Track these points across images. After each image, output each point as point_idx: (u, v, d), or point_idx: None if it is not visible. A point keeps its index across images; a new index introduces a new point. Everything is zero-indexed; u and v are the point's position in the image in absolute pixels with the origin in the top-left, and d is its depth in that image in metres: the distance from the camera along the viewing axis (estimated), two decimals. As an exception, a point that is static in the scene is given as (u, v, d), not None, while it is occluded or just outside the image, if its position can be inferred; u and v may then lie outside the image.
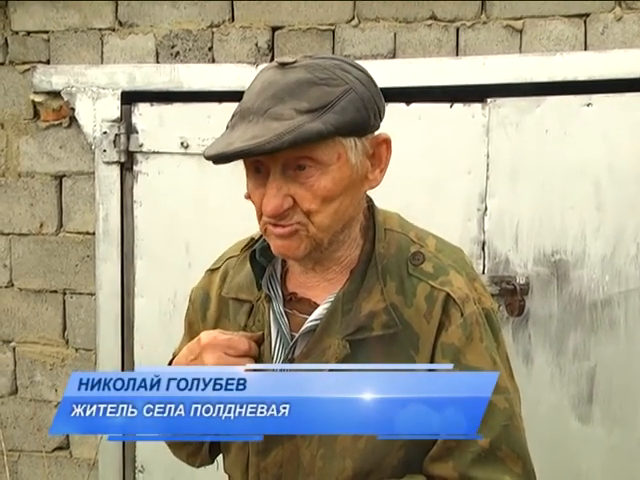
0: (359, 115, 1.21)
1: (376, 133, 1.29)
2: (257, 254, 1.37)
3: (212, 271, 1.49)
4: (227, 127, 1.25)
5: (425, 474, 1.27)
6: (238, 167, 1.29)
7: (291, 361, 1.31)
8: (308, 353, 1.29)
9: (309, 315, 1.31)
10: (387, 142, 1.29)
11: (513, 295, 2.62)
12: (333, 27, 2.80)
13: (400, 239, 1.34)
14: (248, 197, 1.27)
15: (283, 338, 1.33)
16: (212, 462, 1.50)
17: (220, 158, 1.20)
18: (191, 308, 1.51)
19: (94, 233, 3.00)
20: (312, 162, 1.20)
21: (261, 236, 1.35)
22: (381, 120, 1.29)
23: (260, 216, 1.26)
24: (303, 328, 1.31)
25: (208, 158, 1.22)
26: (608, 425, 2.62)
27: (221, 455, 1.47)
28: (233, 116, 1.25)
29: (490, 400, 1.24)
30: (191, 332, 1.49)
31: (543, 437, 2.59)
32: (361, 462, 1.27)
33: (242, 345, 1.30)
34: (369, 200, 1.37)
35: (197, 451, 1.46)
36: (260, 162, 1.22)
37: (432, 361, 1.27)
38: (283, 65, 1.22)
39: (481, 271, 2.65)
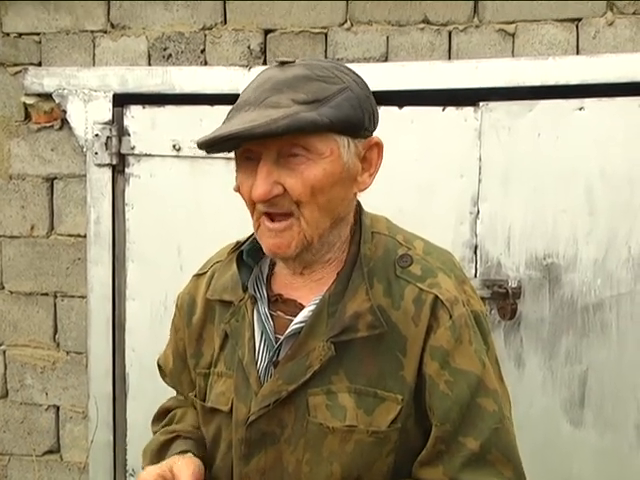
0: (354, 113, 1.22)
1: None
2: (244, 255, 1.36)
3: (199, 276, 1.48)
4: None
5: (414, 479, 1.26)
6: (231, 168, 1.28)
7: (275, 364, 1.30)
8: (293, 355, 1.28)
9: (294, 317, 1.30)
10: (379, 146, 1.29)
11: (505, 299, 2.62)
12: (325, 30, 2.80)
13: (387, 242, 1.33)
14: (237, 189, 1.27)
15: (267, 340, 1.32)
16: None
17: (211, 143, 1.20)
18: (177, 314, 1.50)
19: (85, 236, 2.99)
20: (305, 151, 1.20)
21: (248, 239, 1.34)
22: (375, 126, 1.29)
23: (252, 210, 1.26)
24: (288, 331, 1.30)
25: (201, 146, 1.22)
26: (599, 428, 2.62)
27: None
28: (229, 112, 1.25)
29: (479, 403, 1.24)
30: (176, 338, 1.48)
31: (535, 440, 2.59)
32: (349, 467, 1.25)
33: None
34: (357, 203, 1.36)
35: None
36: (251, 150, 1.22)
37: (420, 364, 1.26)
38: (283, 64, 1.25)
39: (473, 275, 2.65)
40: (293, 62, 1.25)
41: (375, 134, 1.30)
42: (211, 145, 1.21)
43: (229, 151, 1.25)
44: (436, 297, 1.26)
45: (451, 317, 1.26)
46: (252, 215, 1.27)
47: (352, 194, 1.29)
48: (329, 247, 1.30)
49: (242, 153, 1.24)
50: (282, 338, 1.30)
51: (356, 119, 1.22)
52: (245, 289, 1.36)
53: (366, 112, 1.24)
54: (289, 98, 1.19)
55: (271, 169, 1.21)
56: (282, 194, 1.21)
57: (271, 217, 1.24)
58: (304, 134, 1.18)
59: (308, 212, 1.22)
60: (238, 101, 1.25)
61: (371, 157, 1.29)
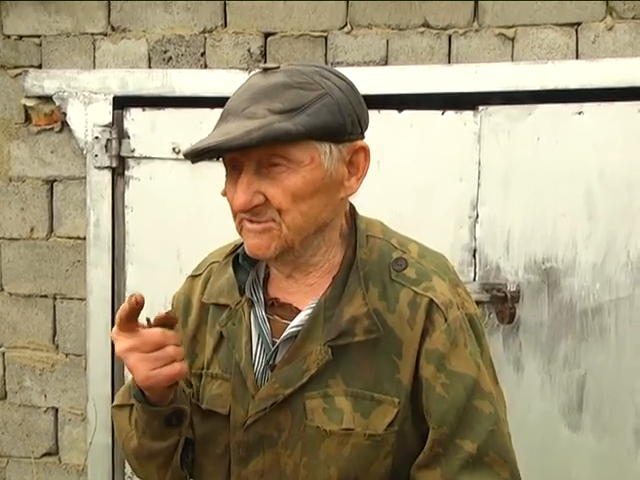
0: (333, 119, 1.21)
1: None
2: (240, 258, 1.37)
3: (194, 277, 1.49)
4: None
5: (412, 482, 1.27)
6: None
7: (272, 367, 1.31)
8: (289, 359, 1.29)
9: (291, 321, 1.31)
10: (365, 150, 1.28)
11: (504, 302, 2.62)
12: (325, 33, 2.80)
13: (382, 245, 1.33)
14: (224, 194, 1.28)
15: (264, 344, 1.33)
16: (185, 477, 1.43)
17: (193, 154, 1.22)
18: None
19: (85, 238, 2.99)
20: (284, 160, 1.21)
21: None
22: (362, 129, 1.29)
23: (235, 214, 1.27)
24: (285, 334, 1.30)
25: (185, 156, 1.25)
26: (598, 433, 2.62)
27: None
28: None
29: (475, 405, 1.25)
30: None
31: (533, 444, 2.59)
32: (346, 470, 1.26)
33: (153, 337, 1.23)
34: (351, 207, 1.37)
35: (167, 463, 1.39)
36: (236, 160, 1.24)
37: (416, 367, 1.26)
38: (266, 70, 1.25)
39: (472, 278, 2.66)
40: (277, 68, 1.25)
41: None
42: (194, 156, 1.23)
43: (217, 159, 1.26)
44: (431, 300, 1.27)
45: (446, 320, 1.26)
46: (234, 218, 1.28)
47: (338, 199, 1.28)
48: (314, 250, 1.30)
49: (228, 161, 1.26)
50: (279, 341, 1.31)
51: (336, 125, 1.22)
52: (242, 292, 1.36)
53: (348, 117, 1.23)
54: (265, 108, 1.19)
55: (252, 179, 1.22)
56: (263, 203, 1.23)
57: (250, 219, 1.25)
58: (281, 144, 1.19)
59: (290, 219, 1.23)
60: (223, 109, 1.26)
61: (358, 161, 1.28)
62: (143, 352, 1.22)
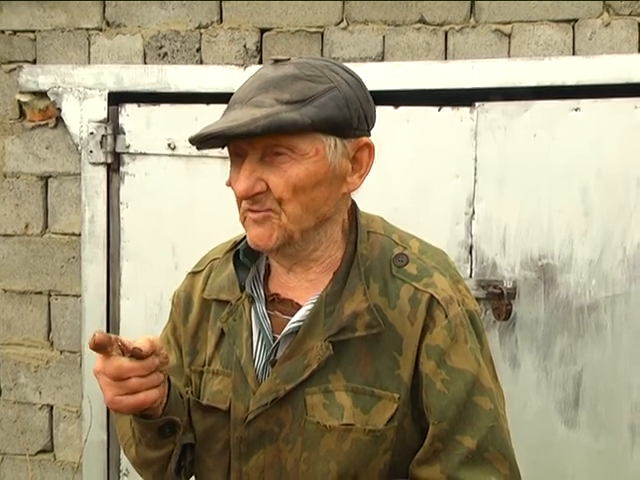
0: (340, 113, 1.21)
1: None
2: (241, 254, 1.37)
3: (195, 274, 1.48)
4: None
5: (412, 478, 1.26)
6: (226, 167, 1.29)
7: (273, 363, 1.30)
8: (290, 355, 1.29)
9: (291, 316, 1.31)
10: (370, 147, 1.28)
11: (500, 299, 2.62)
12: (322, 29, 2.80)
13: (383, 241, 1.33)
14: (229, 184, 1.28)
15: (265, 339, 1.32)
16: None
17: (198, 140, 1.22)
18: (174, 311, 1.49)
19: (80, 234, 2.98)
20: (289, 151, 1.21)
21: (244, 238, 1.34)
22: (369, 126, 1.29)
23: (239, 205, 1.27)
24: (285, 330, 1.30)
25: (190, 142, 1.25)
26: (594, 429, 2.62)
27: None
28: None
29: (475, 401, 1.25)
30: (175, 335, 1.48)
31: (529, 441, 2.59)
32: (346, 465, 1.26)
33: (116, 367, 1.18)
34: (352, 203, 1.36)
35: (163, 471, 1.39)
36: (240, 148, 1.24)
37: (416, 363, 1.26)
38: (276, 62, 1.26)
39: (468, 275, 2.65)
40: (287, 60, 1.25)
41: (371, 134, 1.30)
42: (199, 142, 1.23)
43: (222, 147, 1.26)
44: (432, 296, 1.27)
45: (447, 316, 1.26)
46: (239, 209, 1.28)
47: (340, 194, 1.28)
48: (315, 245, 1.30)
49: (233, 149, 1.26)
50: (279, 337, 1.30)
51: (342, 119, 1.22)
52: (243, 288, 1.36)
53: (355, 112, 1.23)
54: (273, 97, 1.19)
55: (255, 167, 1.22)
56: (265, 191, 1.23)
57: (251, 207, 1.25)
58: (286, 134, 1.19)
59: (290, 209, 1.23)
60: (232, 98, 1.26)
61: (361, 158, 1.28)
62: (109, 377, 1.20)
